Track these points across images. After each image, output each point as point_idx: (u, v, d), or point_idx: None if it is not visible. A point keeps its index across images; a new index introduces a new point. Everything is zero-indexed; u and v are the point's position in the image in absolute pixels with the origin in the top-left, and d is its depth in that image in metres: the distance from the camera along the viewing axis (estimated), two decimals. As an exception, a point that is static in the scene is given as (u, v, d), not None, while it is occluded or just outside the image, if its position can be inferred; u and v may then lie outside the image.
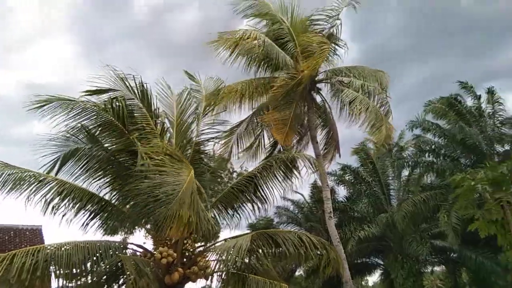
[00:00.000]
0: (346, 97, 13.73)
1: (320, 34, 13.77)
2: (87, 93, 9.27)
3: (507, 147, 21.43)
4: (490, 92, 21.83)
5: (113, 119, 9.23)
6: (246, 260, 9.65)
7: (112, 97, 9.35)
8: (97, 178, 9.69)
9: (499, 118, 21.60)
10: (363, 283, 49.61)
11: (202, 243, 10.31)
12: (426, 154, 22.45)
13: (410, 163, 22.93)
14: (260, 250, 9.86)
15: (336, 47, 14.67)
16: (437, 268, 37.44)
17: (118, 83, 9.54)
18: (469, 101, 22.21)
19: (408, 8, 78.76)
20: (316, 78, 14.47)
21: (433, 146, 22.43)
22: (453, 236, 19.16)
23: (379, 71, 14.27)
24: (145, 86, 9.85)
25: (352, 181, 25.89)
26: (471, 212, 13.32)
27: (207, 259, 9.78)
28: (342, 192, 27.81)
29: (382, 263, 27.22)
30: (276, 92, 13.06)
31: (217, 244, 10.19)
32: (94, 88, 9.33)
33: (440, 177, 22.11)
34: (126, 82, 9.63)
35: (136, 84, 9.74)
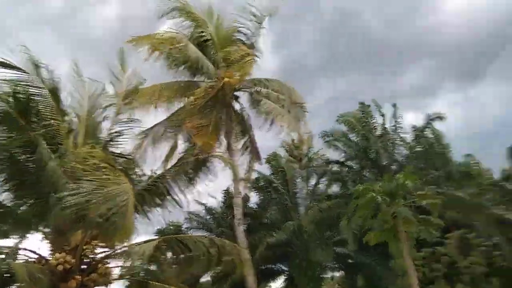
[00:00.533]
0: (263, 108, 14.08)
1: (244, 45, 13.93)
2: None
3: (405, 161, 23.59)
4: (395, 107, 23.78)
5: (12, 111, 8.38)
6: (151, 267, 9.42)
7: (16, 85, 8.46)
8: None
9: (400, 133, 23.71)
10: (267, 289, 50.90)
11: (105, 249, 9.82)
12: (333, 165, 23.91)
13: (317, 172, 24.10)
14: (168, 256, 9.69)
15: (256, 57, 14.92)
16: (336, 274, 39.76)
17: (28, 68, 8.68)
18: (375, 118, 24.03)
19: (322, 26, 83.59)
20: (236, 87, 14.64)
21: (340, 158, 23.90)
22: (352, 243, 20.44)
23: (293, 89, 14.81)
24: (55, 79, 9.15)
25: (264, 188, 26.47)
26: (368, 223, 14.49)
27: (108, 265, 9.35)
28: (252, 199, 28.41)
29: (286, 269, 28.15)
30: (196, 102, 13.00)
31: (120, 250, 9.76)
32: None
33: (344, 188, 23.59)
34: (37, 70, 8.81)
35: (46, 75, 8.99)
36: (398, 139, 23.63)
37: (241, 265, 10.16)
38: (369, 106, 23.73)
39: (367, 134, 22.95)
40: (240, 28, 14.65)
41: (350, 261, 28.98)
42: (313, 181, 25.45)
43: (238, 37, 14.53)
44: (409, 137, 23.75)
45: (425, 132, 24.33)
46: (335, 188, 25.77)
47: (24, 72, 8.65)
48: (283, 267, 28.95)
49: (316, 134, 23.56)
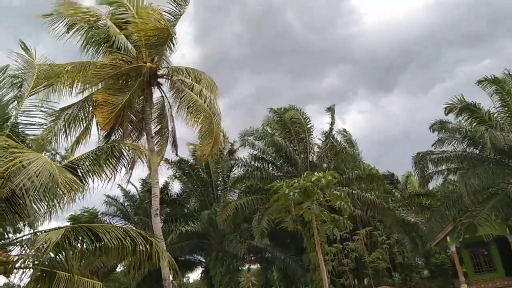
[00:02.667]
0: (185, 100, 13.84)
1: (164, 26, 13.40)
2: None
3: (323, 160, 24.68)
4: (332, 110, 24.62)
5: None
6: (58, 257, 8.95)
7: None
8: None
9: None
10: (184, 280, 50.75)
11: (8, 235, 9.17)
12: (254, 160, 24.38)
13: (240, 165, 24.45)
14: (78, 245, 9.26)
15: (174, 45, 14.53)
16: (253, 266, 40.82)
17: None
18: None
19: (247, 20, 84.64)
20: (158, 73, 14.25)
21: (260, 154, 24.41)
22: (259, 237, 21.38)
23: (214, 83, 14.71)
24: None
25: (186, 178, 26.28)
26: (282, 216, 15.03)
27: (9, 253, 8.72)
28: (175, 187, 28.13)
29: (204, 260, 28.33)
30: (104, 71, 12.35)
31: (24, 238, 9.16)
32: None
33: (263, 182, 24.15)
34: None
35: None
36: (314, 140, 24.57)
37: (156, 256, 9.96)
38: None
39: (288, 132, 23.53)
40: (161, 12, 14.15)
41: (267, 254, 29.98)
42: (235, 175, 25.70)
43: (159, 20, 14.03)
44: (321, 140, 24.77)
45: (334, 137, 25.75)
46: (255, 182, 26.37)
47: None
48: (201, 259, 29.16)
49: (237, 126, 23.88)
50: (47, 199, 7.01)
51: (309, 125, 23.56)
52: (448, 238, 23.24)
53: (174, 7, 14.11)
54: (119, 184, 27.01)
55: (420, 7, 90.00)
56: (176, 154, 16.60)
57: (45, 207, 8.74)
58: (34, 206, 8.02)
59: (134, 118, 14.50)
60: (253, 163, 24.00)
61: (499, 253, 24.16)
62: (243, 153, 25.38)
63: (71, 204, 8.64)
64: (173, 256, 22.85)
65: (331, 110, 24.44)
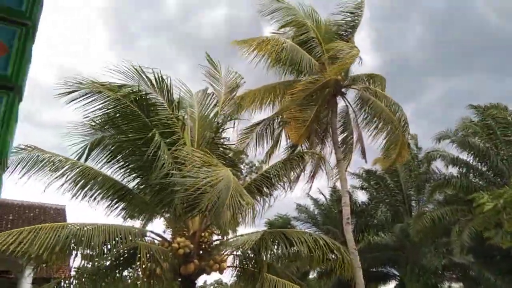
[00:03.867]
0: (372, 109, 13.63)
1: (347, 41, 13.57)
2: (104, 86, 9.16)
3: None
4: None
5: (137, 110, 9.21)
6: (262, 258, 9.77)
7: (133, 89, 9.24)
8: (120, 167, 9.93)
9: None
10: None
11: (219, 237, 10.46)
12: (453, 166, 22.05)
13: (434, 177, 22.54)
14: (275, 248, 9.96)
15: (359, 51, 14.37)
16: (455, 285, 36.70)
17: (138, 77, 9.42)
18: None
19: (429, 21, 77.10)
20: (342, 83, 14.38)
21: (459, 160, 21.94)
22: (459, 251, 19.21)
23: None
24: (165, 80, 9.91)
25: (375, 187, 25.59)
26: (490, 230, 13.09)
27: (222, 253, 9.94)
28: (360, 196, 27.68)
29: (397, 273, 26.90)
30: (295, 96, 13.06)
31: (231, 240, 10.34)
32: (114, 79, 9.25)
33: (463, 191, 21.60)
34: (144, 75, 9.54)
35: (156, 77, 9.71)
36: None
37: (348, 266, 9.99)
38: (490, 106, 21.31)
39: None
40: (339, 25, 14.20)
41: (472, 272, 26.64)
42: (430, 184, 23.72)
43: (338, 32, 14.13)
44: None
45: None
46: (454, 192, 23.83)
47: (133, 86, 9.24)
48: (394, 271, 27.78)
49: (424, 134, 21.96)
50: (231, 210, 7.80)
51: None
52: None
53: (351, 17, 14.12)
54: (308, 193, 28.19)
55: None
56: (366, 161, 16.42)
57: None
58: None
59: (318, 129, 14.99)
60: (450, 170, 21.85)
61: None
62: (438, 163, 23.26)
63: (252, 215, 9.33)
64: (364, 267, 22.64)
65: None
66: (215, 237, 10.38)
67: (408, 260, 23.04)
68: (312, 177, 14.63)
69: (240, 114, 12.71)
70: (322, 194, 28.50)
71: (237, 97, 11.47)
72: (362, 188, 25.92)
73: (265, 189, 10.69)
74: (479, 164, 21.44)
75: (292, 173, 10.71)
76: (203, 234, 9.84)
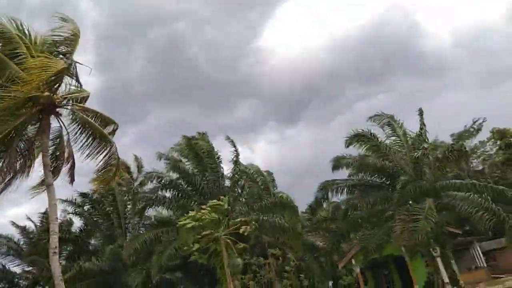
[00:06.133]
0: (88, 130, 13.23)
1: (54, 57, 12.69)
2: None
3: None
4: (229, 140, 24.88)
5: None
6: None
7: None
8: None
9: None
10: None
11: None
12: (165, 190, 23.82)
13: (146, 198, 23.79)
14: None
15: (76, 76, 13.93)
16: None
17: None
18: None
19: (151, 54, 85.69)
20: (57, 102, 13.42)
21: (172, 183, 23.93)
22: (156, 272, 21.07)
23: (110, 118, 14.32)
24: None
25: (90, 211, 24.66)
26: (190, 248, 14.76)
27: None
28: (76, 222, 26.27)
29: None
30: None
31: None
32: None
33: (175, 213, 23.51)
34: None
35: None
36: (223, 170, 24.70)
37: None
38: (203, 133, 24.49)
39: (200, 161, 23.43)
40: (53, 39, 13.44)
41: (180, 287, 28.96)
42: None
43: (54, 49, 13.29)
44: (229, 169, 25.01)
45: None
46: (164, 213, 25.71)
47: None
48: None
49: (145, 157, 23.26)
50: None
51: (217, 155, 23.80)
52: (353, 260, 24.50)
53: (69, 41, 13.55)
54: (12, 221, 24.80)
55: (318, 47, 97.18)
56: (72, 185, 15.54)
57: None
58: None
59: (22, 146, 13.43)
60: (163, 192, 23.51)
61: (398, 272, 26.02)
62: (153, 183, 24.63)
63: None
64: (73, 296, 21.33)
65: (243, 141, 25.01)
66: None
67: (122, 282, 23.06)
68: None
69: None
70: (31, 221, 25.59)
71: None
72: (76, 214, 24.56)
73: None
74: (187, 186, 24.01)
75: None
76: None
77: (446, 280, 18.07)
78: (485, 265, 28.65)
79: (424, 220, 16.94)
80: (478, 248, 29.29)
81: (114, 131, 14.24)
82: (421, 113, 20.98)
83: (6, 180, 13.22)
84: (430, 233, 17.57)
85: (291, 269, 22.21)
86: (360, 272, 25.33)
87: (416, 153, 19.14)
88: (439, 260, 18.45)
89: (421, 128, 20.72)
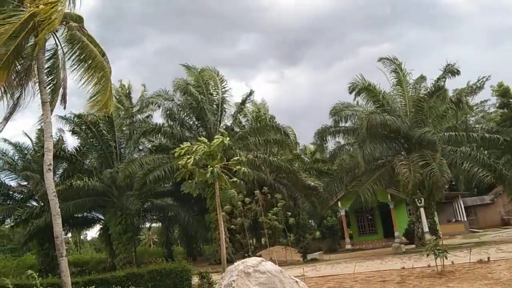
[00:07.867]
0: (84, 51, 12.73)
1: None
2: None
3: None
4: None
5: None
6: None
7: None
8: None
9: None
10: (81, 237, 49.19)
11: None
12: (165, 117, 24.06)
13: (143, 125, 23.93)
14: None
15: None
16: (155, 224, 40.74)
17: None
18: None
19: None
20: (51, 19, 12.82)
21: (168, 112, 24.00)
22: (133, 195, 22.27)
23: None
24: None
25: (87, 132, 24.62)
26: (182, 173, 15.04)
27: None
28: (71, 142, 26.57)
29: (102, 218, 27.46)
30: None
31: None
32: None
33: (173, 141, 23.75)
34: None
35: None
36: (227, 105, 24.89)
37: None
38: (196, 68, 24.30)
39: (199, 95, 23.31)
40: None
41: (170, 213, 29.98)
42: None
43: None
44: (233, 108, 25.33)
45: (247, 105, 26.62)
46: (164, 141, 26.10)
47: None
48: (100, 216, 28.17)
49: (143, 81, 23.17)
50: None
51: (224, 89, 23.75)
52: (339, 203, 25.29)
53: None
54: (5, 139, 24.89)
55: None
56: (64, 108, 15.34)
57: None
58: None
59: (19, 66, 13.05)
60: (163, 121, 23.67)
61: (381, 218, 26.98)
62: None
63: None
64: (68, 213, 22.00)
65: (241, 77, 25.16)
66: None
67: (114, 204, 23.74)
68: (7, 118, 12.80)
69: None
70: (28, 137, 25.71)
71: None
72: (73, 132, 24.55)
73: None
74: (189, 117, 24.13)
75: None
76: None
77: (426, 229, 18.77)
78: (465, 220, 29.83)
79: (437, 167, 17.61)
80: (461, 203, 30.34)
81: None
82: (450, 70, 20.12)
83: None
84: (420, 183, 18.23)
85: (278, 208, 22.81)
86: (345, 215, 26.29)
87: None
88: (422, 210, 19.04)
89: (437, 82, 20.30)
